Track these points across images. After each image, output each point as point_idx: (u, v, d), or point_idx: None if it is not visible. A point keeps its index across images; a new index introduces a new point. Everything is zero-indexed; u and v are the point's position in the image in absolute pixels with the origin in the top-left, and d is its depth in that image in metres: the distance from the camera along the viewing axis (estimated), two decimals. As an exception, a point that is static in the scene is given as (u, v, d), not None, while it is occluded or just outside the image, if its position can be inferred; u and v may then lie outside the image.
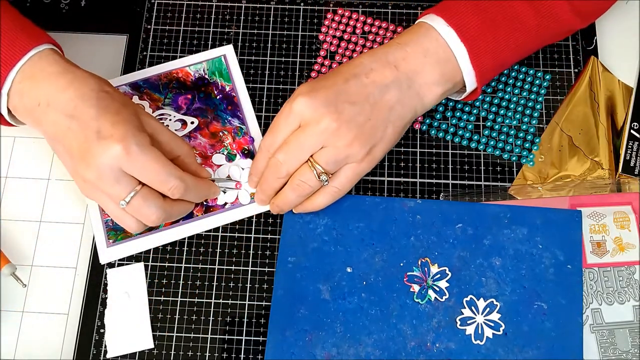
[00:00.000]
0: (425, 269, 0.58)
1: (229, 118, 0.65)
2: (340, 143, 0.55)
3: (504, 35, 0.58)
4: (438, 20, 0.57)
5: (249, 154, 0.64)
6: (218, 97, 0.65)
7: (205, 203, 0.62)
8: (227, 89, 0.66)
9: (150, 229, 0.61)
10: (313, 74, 0.67)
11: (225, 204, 0.62)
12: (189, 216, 0.61)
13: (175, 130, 0.64)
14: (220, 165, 0.63)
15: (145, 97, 0.65)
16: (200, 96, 0.66)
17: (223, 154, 0.63)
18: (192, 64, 0.67)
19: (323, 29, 0.69)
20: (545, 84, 0.66)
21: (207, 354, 0.58)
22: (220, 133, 0.64)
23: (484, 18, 0.57)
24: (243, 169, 0.63)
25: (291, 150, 0.56)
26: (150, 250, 0.61)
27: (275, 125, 0.58)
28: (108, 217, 0.62)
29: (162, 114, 0.65)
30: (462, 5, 0.57)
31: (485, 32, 0.57)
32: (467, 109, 0.65)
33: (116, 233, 0.61)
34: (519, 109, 0.65)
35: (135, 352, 0.58)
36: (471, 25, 0.57)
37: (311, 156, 0.56)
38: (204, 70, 0.66)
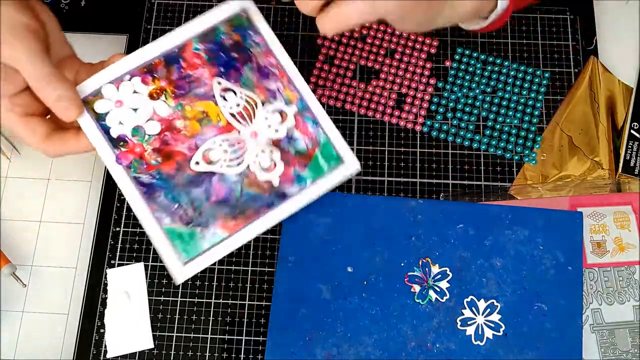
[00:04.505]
0: (426, 269, 0.58)
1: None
2: None
3: None
4: None
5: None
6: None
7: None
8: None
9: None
10: (312, 79, 0.67)
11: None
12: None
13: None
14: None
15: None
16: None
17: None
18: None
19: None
20: (545, 82, 0.66)
21: (207, 354, 0.58)
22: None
23: None
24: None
25: None
26: (150, 250, 0.61)
27: None
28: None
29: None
30: None
31: None
32: (467, 109, 0.65)
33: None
34: (520, 108, 0.65)
35: (135, 352, 0.58)
36: None
37: None
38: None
